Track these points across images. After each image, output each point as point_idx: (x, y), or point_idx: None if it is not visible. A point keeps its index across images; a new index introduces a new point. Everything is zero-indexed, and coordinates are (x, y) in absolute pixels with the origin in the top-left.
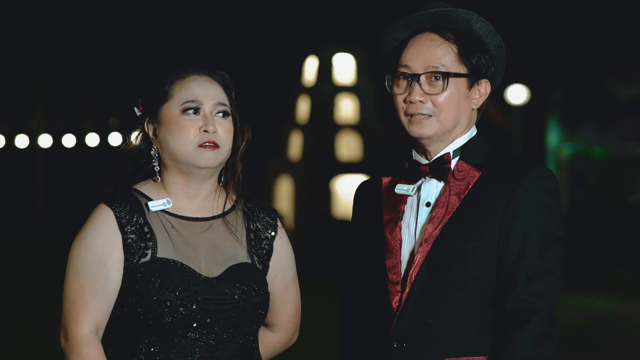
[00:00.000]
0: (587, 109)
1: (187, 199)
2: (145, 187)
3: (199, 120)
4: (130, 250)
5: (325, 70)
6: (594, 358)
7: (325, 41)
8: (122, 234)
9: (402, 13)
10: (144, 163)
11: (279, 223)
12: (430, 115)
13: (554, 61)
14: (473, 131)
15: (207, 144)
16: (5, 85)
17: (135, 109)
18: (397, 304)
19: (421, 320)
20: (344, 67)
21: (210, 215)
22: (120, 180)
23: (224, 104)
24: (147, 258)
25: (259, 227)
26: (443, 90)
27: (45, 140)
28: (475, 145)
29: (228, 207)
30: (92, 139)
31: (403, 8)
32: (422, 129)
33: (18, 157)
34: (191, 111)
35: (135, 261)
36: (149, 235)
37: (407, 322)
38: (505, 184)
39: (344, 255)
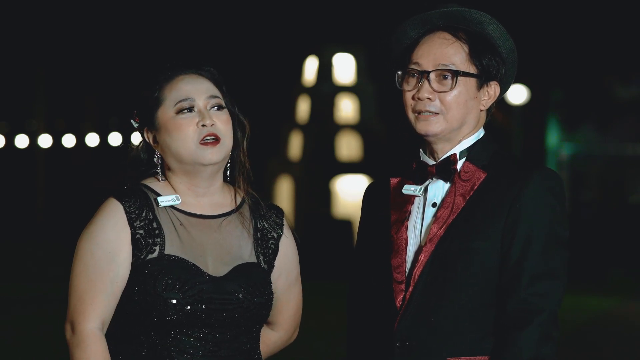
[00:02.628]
0: (587, 109)
1: (194, 197)
2: (153, 184)
3: (195, 117)
4: (138, 246)
5: (325, 70)
6: (594, 358)
7: (325, 41)
8: (131, 228)
9: (405, 13)
10: (144, 169)
11: (285, 222)
12: (438, 113)
13: (554, 61)
14: (481, 133)
15: (208, 138)
16: (5, 85)
17: (132, 121)
18: (400, 302)
19: (424, 319)
20: (344, 67)
21: (218, 213)
22: (125, 177)
23: (216, 97)
24: (155, 254)
25: (266, 226)
26: (452, 88)
27: (45, 140)
28: (482, 147)
29: (234, 205)
30: (92, 139)
31: (404, 8)
32: (428, 126)
33: (18, 157)
34: (186, 110)
35: (142, 257)
36: (157, 231)
37: (409, 321)
38: (510, 185)
39: (352, 255)
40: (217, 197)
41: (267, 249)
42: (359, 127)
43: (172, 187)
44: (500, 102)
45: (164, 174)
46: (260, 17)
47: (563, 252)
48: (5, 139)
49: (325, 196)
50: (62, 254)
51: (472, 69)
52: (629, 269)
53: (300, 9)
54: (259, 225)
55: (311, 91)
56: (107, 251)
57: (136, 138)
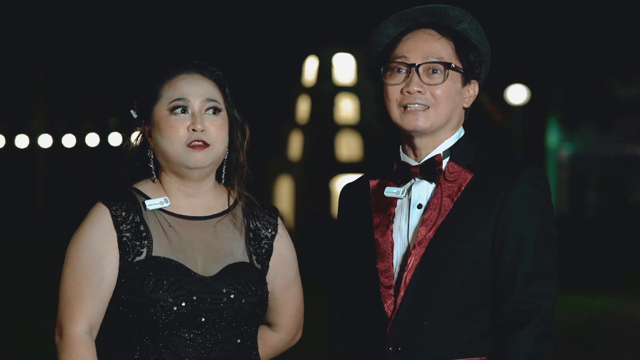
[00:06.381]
0: (587, 109)
1: (185, 198)
2: (145, 186)
3: (188, 119)
4: (125, 249)
5: (325, 70)
6: (594, 358)
7: (325, 41)
8: (117, 232)
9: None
10: (139, 165)
11: (279, 222)
12: (427, 107)
13: (554, 61)
14: (461, 132)
15: (196, 143)
16: (5, 85)
17: (132, 112)
18: (391, 307)
19: (416, 323)
20: (344, 67)
21: (210, 214)
22: (117, 180)
23: (213, 100)
24: (142, 256)
25: (259, 225)
26: (443, 80)
27: (45, 140)
28: (464, 146)
29: (227, 206)
30: (92, 139)
31: (403, 8)
32: (417, 121)
33: (18, 157)
34: (179, 110)
35: (130, 259)
36: (144, 234)
37: (402, 326)
38: (498, 185)
39: (331, 258)
40: (208, 199)
41: (260, 248)
42: (359, 127)
43: (163, 188)
44: (500, 102)
45: (156, 171)
46: (260, 17)
47: (553, 250)
48: (5, 139)
49: (325, 196)
50: (62, 254)
51: (459, 65)
52: (630, 268)
53: (300, 9)
54: (251, 226)
55: (311, 91)
56: (93, 254)
57: (135, 137)
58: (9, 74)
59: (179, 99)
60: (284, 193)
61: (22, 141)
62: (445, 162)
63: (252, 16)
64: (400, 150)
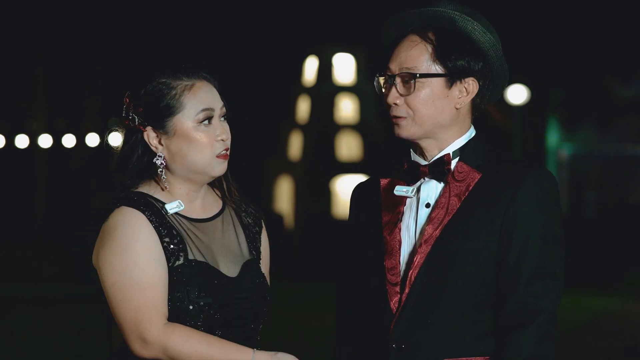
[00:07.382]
0: (587, 109)
1: (189, 202)
2: (151, 190)
3: (214, 130)
4: (166, 254)
5: (325, 70)
6: (595, 358)
7: (325, 41)
8: (158, 236)
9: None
10: (139, 169)
11: (261, 215)
12: (406, 117)
13: (554, 61)
14: (472, 132)
15: (224, 152)
16: (5, 85)
17: (135, 115)
18: (396, 305)
19: (420, 321)
20: (344, 67)
21: (211, 215)
22: (117, 184)
23: (224, 107)
24: (181, 261)
25: (250, 222)
26: (413, 91)
27: (45, 140)
28: (474, 146)
29: (221, 204)
30: (92, 139)
31: (402, 8)
32: (400, 131)
33: (18, 157)
34: (207, 121)
35: (170, 264)
36: (178, 238)
37: (406, 323)
38: (505, 185)
39: (341, 256)
40: (205, 199)
41: (256, 243)
42: (359, 127)
43: (169, 193)
44: (500, 102)
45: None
46: (260, 17)
47: (559, 251)
48: (5, 139)
49: (325, 196)
50: (62, 254)
51: (437, 69)
52: (630, 268)
53: (300, 9)
54: (244, 222)
55: (311, 91)
56: (152, 258)
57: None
58: (9, 74)
59: (207, 109)
60: (284, 193)
61: (22, 141)
62: (454, 162)
63: (252, 16)
64: (411, 149)
